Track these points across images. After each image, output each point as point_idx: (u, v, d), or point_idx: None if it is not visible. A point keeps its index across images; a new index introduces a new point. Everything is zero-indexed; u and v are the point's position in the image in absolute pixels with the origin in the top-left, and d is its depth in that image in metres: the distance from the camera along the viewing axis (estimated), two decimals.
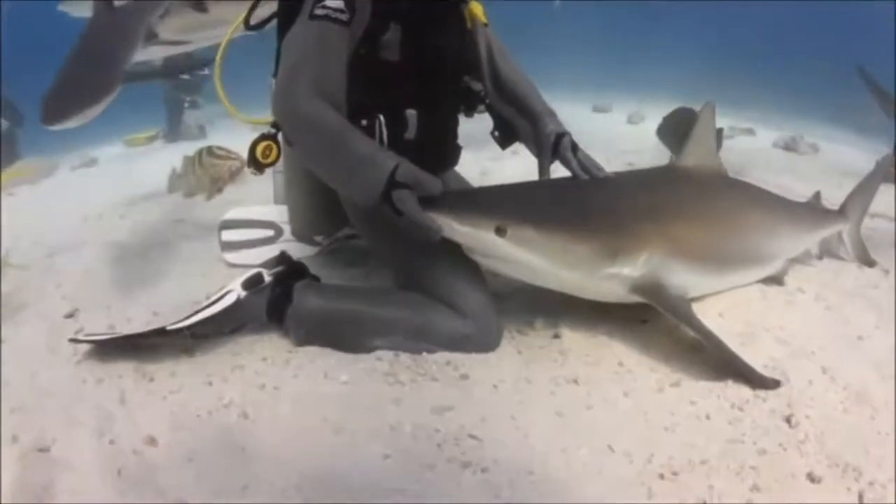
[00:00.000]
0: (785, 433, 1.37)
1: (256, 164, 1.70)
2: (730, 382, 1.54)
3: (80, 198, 3.60)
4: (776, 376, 1.56)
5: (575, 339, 1.75)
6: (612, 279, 1.67)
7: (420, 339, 1.66)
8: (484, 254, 1.65)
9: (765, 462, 1.28)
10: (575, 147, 1.87)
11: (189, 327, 1.62)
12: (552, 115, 1.93)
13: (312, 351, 1.66)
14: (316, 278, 1.80)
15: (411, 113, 1.73)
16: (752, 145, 5.24)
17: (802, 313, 1.99)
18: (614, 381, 1.57)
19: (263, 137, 1.71)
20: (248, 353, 1.65)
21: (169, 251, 2.51)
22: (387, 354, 1.64)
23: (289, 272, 1.74)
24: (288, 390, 1.50)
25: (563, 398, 1.49)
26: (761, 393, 1.50)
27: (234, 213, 2.46)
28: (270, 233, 2.42)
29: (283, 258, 1.79)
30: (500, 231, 1.56)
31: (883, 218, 2.98)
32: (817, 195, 2.53)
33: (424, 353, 1.64)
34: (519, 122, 2.00)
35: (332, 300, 1.69)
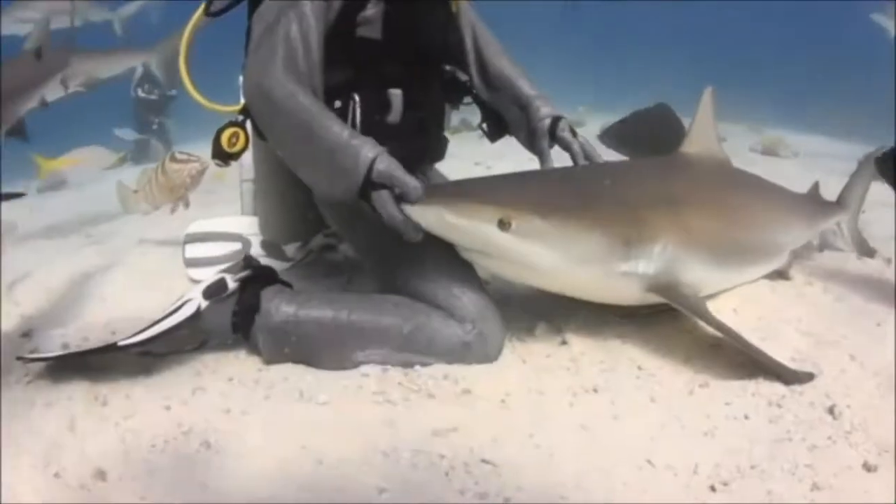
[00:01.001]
0: (830, 425, 1.29)
1: (222, 154, 1.56)
2: (760, 379, 1.45)
3: (47, 218, 3.54)
4: (807, 368, 1.49)
5: (584, 345, 1.61)
6: (627, 277, 1.54)
7: (412, 350, 1.48)
8: (483, 251, 1.48)
9: (818, 458, 1.18)
10: (574, 131, 1.76)
11: (144, 342, 1.43)
12: (545, 98, 1.82)
13: (285, 368, 1.49)
14: (287, 285, 1.60)
15: (395, 93, 1.60)
16: (732, 151, 5.26)
17: (816, 305, 1.96)
18: (637, 386, 1.44)
19: (230, 124, 1.57)
20: (211, 372, 1.48)
21: (133, 269, 2.39)
22: (373, 369, 1.47)
23: (256, 278, 1.54)
24: (258, 415, 1.32)
25: (584, 409, 1.34)
26: (795, 387, 1.42)
27: (198, 226, 2.31)
28: (238, 246, 2.26)
29: (249, 262, 1.59)
30: (503, 224, 1.40)
31: (878, 210, 2.96)
32: (816, 186, 2.49)
33: (417, 367, 1.47)
34: (508, 112, 1.88)
35: (307, 308, 1.49)
